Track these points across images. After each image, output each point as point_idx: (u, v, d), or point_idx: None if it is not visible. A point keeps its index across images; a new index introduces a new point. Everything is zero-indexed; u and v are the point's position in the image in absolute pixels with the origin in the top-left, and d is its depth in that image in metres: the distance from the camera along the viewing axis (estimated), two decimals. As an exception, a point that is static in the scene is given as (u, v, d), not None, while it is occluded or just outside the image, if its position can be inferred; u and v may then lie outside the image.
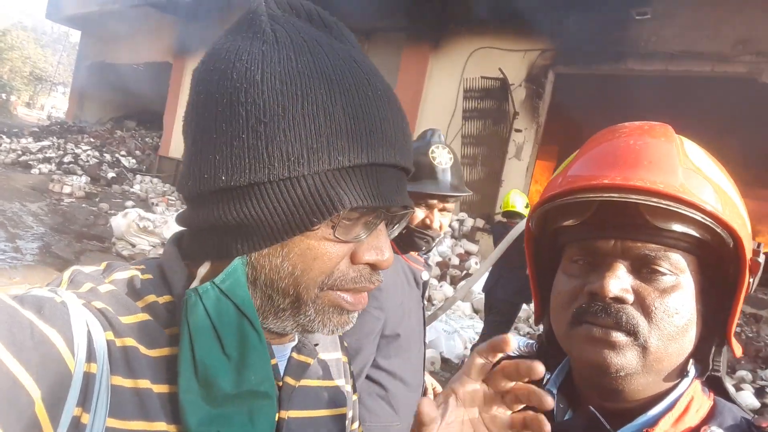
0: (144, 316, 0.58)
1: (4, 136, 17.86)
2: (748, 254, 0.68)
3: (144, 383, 0.55)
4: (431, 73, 10.27)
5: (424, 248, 1.78)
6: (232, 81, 0.55)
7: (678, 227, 0.66)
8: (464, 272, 7.67)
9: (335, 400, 0.76)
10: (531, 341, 0.90)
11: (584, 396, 0.74)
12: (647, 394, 0.70)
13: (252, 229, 0.56)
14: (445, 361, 5.32)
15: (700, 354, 0.71)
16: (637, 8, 7.63)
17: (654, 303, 0.66)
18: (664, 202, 0.64)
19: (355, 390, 0.84)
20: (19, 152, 15.48)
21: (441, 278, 7.29)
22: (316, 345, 0.73)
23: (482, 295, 5.56)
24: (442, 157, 1.77)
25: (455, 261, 7.78)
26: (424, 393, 1.93)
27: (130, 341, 0.55)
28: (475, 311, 6.50)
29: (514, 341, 0.61)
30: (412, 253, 1.83)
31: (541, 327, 0.88)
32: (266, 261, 0.58)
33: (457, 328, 5.68)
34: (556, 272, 0.77)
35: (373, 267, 0.62)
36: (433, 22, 10.04)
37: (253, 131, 0.54)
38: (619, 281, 0.66)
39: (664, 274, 0.67)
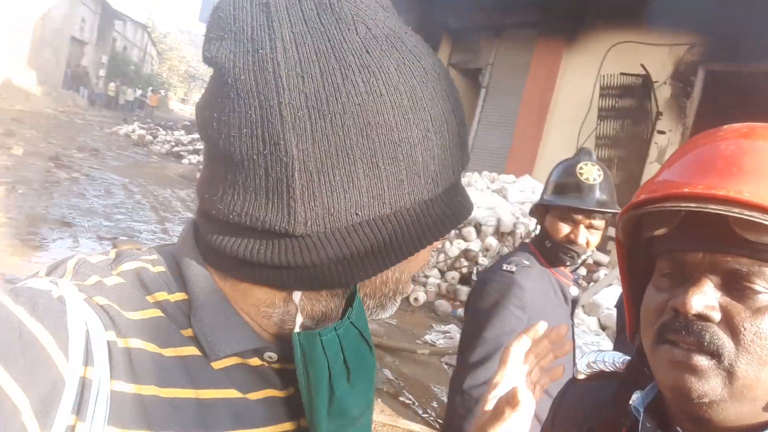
0: (155, 312, 0.53)
1: (160, 129, 19.87)
2: None
3: (149, 389, 0.50)
4: (564, 70, 9.78)
5: (568, 263, 1.80)
6: (351, 97, 0.47)
7: None
8: (592, 284, 7.23)
9: None
10: (627, 357, 0.84)
11: (675, 418, 0.69)
12: (742, 423, 0.63)
13: (383, 254, 0.53)
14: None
15: None
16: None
17: (743, 323, 0.60)
18: (747, 212, 0.58)
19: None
20: (173, 143, 17.12)
21: (565, 287, 6.94)
22: None
23: (612, 311, 5.20)
24: (589, 174, 1.78)
25: (582, 271, 7.36)
26: None
27: (136, 341, 0.50)
28: (602, 327, 6.09)
29: (543, 326, 0.71)
30: (561, 267, 1.85)
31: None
32: (377, 276, 0.56)
33: (581, 344, 5.36)
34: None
35: None
36: (569, 17, 9.55)
37: (390, 158, 0.49)
38: (704, 297, 0.61)
39: (758, 292, 0.60)
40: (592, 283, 7.13)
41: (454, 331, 5.65)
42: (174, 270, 0.56)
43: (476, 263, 6.75)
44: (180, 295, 0.55)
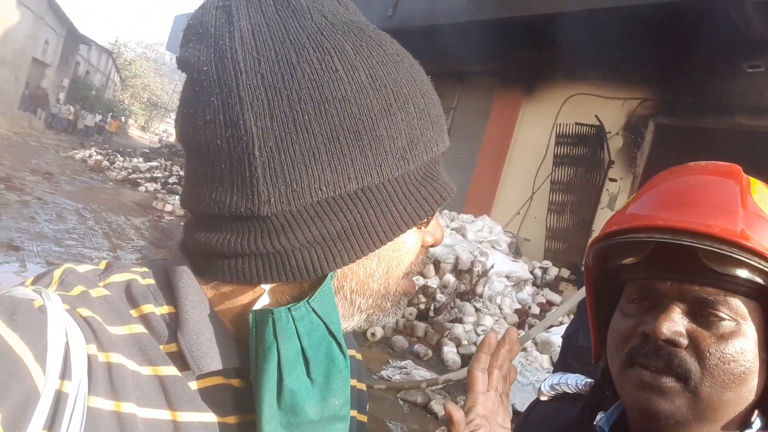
0: (137, 328, 0.51)
1: (118, 155, 19.48)
2: None
3: (128, 407, 0.47)
4: (523, 117, 10.17)
5: None
6: (306, 74, 0.47)
7: (738, 272, 0.63)
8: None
9: (356, 403, 0.70)
10: (590, 380, 0.88)
11: None
12: None
13: (356, 237, 0.51)
14: (516, 414, 5.09)
15: (766, 405, 0.67)
16: (749, 61, 7.21)
17: (709, 348, 0.64)
18: (717, 246, 0.62)
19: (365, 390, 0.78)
20: (130, 170, 16.75)
21: (519, 326, 7.04)
22: None
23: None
24: None
25: (536, 310, 7.51)
26: None
27: (117, 357, 0.48)
28: (554, 365, 6.19)
29: (494, 337, 0.72)
30: None
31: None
32: (359, 267, 0.54)
33: (533, 381, 5.43)
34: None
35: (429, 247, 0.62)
36: (528, 68, 9.99)
37: (352, 132, 0.48)
38: (673, 324, 0.65)
39: (722, 319, 0.64)
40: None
41: (411, 366, 5.64)
42: (164, 283, 0.55)
43: (434, 299, 6.80)
44: (167, 308, 0.53)
